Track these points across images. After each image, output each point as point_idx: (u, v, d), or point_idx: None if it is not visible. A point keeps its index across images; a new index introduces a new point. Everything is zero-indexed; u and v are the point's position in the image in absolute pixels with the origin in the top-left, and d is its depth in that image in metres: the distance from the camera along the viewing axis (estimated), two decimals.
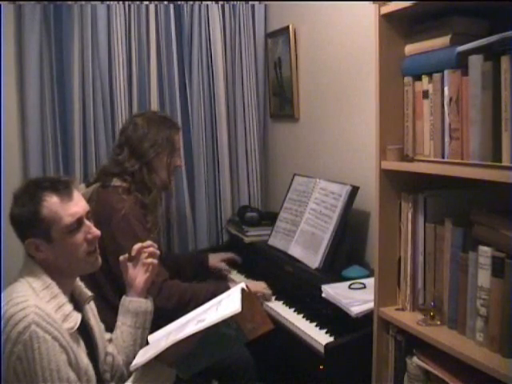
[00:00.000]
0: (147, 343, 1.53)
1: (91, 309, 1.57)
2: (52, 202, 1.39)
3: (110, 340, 1.64)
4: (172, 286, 2.00)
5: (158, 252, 1.71)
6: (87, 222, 1.46)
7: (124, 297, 1.69)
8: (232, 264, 2.59)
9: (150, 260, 1.68)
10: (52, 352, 1.28)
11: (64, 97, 2.64)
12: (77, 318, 1.39)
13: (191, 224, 2.87)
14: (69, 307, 1.39)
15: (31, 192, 1.41)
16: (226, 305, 1.33)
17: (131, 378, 1.39)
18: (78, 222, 1.43)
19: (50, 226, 1.38)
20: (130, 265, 1.69)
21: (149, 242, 1.70)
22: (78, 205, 1.44)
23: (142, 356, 1.39)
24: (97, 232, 1.47)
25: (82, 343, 1.42)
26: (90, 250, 1.46)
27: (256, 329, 1.31)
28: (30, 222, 1.38)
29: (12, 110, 2.59)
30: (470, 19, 1.41)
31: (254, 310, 1.33)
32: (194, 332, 1.28)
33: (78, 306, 1.48)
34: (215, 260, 2.54)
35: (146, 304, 1.68)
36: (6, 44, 2.52)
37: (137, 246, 1.70)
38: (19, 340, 1.25)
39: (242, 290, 1.35)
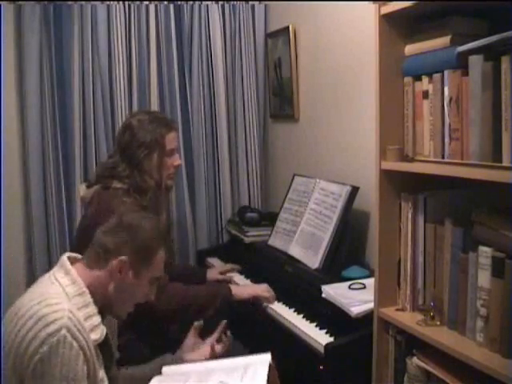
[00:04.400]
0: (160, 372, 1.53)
1: (108, 320, 1.56)
2: (161, 255, 1.47)
3: (117, 360, 1.61)
4: (173, 290, 2.00)
5: (226, 346, 1.75)
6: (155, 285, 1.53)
7: (169, 355, 1.69)
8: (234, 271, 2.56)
9: (218, 347, 1.73)
10: (75, 361, 1.26)
11: (64, 97, 2.64)
12: (103, 329, 1.37)
13: (191, 224, 2.87)
14: (97, 318, 1.37)
15: (160, 234, 1.49)
16: (252, 379, 1.34)
17: None
18: (156, 280, 1.50)
19: (148, 268, 1.44)
20: (195, 335, 1.77)
21: (229, 334, 1.76)
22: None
23: None
24: (152, 299, 1.53)
25: (100, 356, 1.40)
26: (134, 306, 1.50)
27: None
28: (144, 252, 1.43)
29: (12, 110, 2.59)
30: (470, 19, 1.41)
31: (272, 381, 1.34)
32: None
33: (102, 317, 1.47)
34: (213, 274, 2.50)
35: None
36: (6, 44, 2.52)
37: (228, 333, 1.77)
38: (47, 342, 1.23)
39: (270, 366, 1.36)
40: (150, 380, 1.57)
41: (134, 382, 1.61)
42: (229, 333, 1.78)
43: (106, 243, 1.43)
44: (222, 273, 2.50)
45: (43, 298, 1.29)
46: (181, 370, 1.46)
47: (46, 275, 1.40)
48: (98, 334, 1.35)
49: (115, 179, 2.09)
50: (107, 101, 2.68)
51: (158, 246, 1.46)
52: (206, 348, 1.73)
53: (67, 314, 1.26)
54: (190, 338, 1.77)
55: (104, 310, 1.45)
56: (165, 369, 1.50)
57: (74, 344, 1.25)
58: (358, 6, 2.13)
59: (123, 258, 1.39)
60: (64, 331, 1.24)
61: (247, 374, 1.35)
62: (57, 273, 1.38)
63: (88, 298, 1.36)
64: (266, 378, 1.30)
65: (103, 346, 1.41)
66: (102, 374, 1.38)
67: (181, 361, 1.67)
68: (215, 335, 1.77)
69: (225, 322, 1.80)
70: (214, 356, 1.71)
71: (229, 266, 2.56)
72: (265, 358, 1.39)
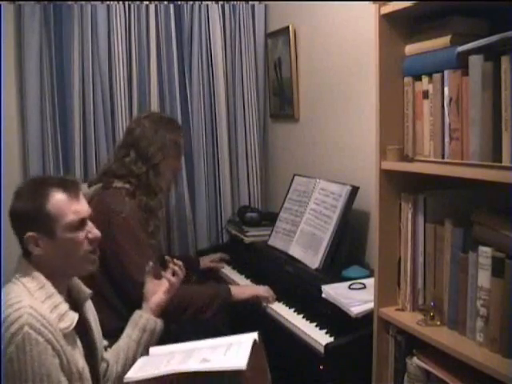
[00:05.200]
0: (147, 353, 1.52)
1: (90, 308, 1.56)
2: (58, 198, 1.39)
3: (106, 347, 1.62)
4: None
5: (181, 275, 1.76)
6: (90, 223, 1.46)
7: (137, 311, 1.70)
8: (223, 261, 2.67)
9: (173, 279, 1.73)
10: (43, 355, 1.27)
11: (64, 97, 2.64)
12: (73, 317, 1.38)
13: (191, 224, 2.87)
14: (64, 306, 1.37)
15: (37, 187, 1.41)
16: (235, 353, 1.32)
17: None
18: (82, 222, 1.43)
19: (53, 222, 1.38)
20: (151, 279, 1.74)
21: (180, 262, 1.76)
22: (83, 205, 1.45)
23: (139, 370, 1.37)
24: (98, 233, 1.47)
25: (79, 343, 1.40)
26: (90, 250, 1.45)
27: (253, 378, 1.31)
28: (33, 216, 1.37)
29: (12, 110, 2.59)
30: (470, 19, 1.41)
31: (258, 361, 1.33)
32: (195, 370, 1.28)
33: (76, 304, 1.47)
34: (205, 262, 2.63)
35: (155, 323, 1.69)
36: (6, 44, 2.52)
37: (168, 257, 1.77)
38: (12, 341, 1.25)
39: (254, 341, 1.35)
40: (136, 343, 1.62)
41: (122, 352, 1.63)
42: (177, 261, 1.79)
43: (15, 232, 1.43)
44: (212, 261, 2.64)
45: (6, 300, 1.31)
46: (166, 351, 1.45)
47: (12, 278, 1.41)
48: (68, 322, 1.35)
49: (118, 178, 2.08)
50: (107, 101, 2.68)
51: (43, 201, 1.38)
52: (163, 285, 1.75)
53: (27, 311, 1.27)
54: (149, 284, 1.76)
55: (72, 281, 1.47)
56: (152, 350, 1.49)
57: (40, 339, 1.27)
58: (357, 6, 2.13)
59: (28, 234, 1.37)
60: (27, 328, 1.26)
61: (230, 350, 1.34)
62: (18, 273, 1.40)
63: (51, 289, 1.36)
64: (248, 352, 1.27)
65: (82, 333, 1.42)
66: (82, 362, 1.38)
67: (148, 310, 1.71)
68: (168, 271, 1.77)
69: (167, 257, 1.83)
70: (174, 288, 1.75)
71: (219, 254, 2.68)
72: (250, 336, 1.38)
